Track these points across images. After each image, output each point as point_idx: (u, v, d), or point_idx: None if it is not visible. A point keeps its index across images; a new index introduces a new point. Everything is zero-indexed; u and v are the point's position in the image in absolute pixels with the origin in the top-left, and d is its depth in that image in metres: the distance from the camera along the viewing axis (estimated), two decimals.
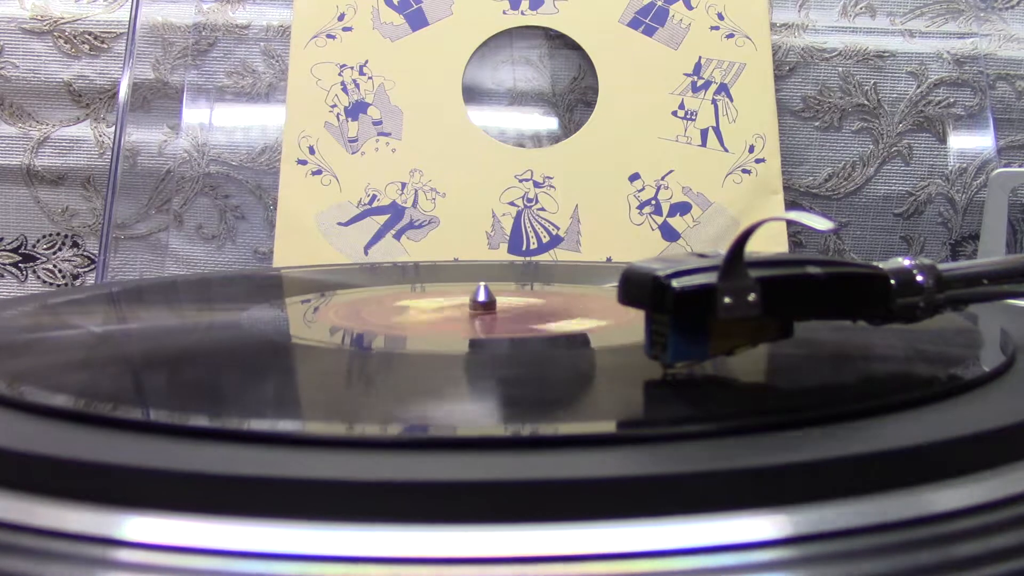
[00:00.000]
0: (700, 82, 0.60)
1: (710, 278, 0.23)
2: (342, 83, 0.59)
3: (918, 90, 0.62)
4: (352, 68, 0.60)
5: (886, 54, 0.62)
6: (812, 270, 0.24)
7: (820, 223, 0.23)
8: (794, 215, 0.25)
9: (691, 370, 0.26)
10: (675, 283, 0.23)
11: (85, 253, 0.63)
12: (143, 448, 0.20)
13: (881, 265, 0.26)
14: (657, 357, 0.25)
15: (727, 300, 0.23)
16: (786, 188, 0.61)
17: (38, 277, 0.63)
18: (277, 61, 0.61)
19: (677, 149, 0.59)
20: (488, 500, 0.18)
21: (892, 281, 0.25)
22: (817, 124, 0.62)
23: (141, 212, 0.62)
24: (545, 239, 0.58)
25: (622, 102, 0.60)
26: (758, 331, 0.25)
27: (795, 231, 0.60)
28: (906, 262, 0.26)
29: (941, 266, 0.26)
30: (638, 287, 0.24)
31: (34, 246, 0.63)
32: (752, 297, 0.23)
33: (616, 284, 0.25)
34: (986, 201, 0.60)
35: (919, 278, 0.26)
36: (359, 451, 0.20)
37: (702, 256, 0.24)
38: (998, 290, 0.28)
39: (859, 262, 0.27)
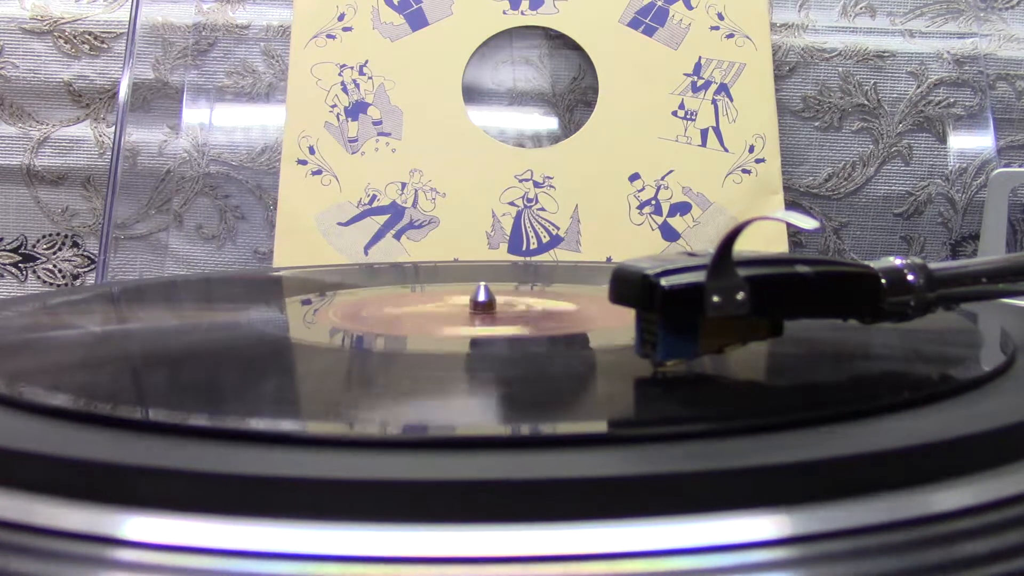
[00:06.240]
0: (700, 82, 0.60)
1: (699, 277, 0.23)
2: (342, 83, 0.59)
3: (918, 90, 0.62)
4: (352, 68, 0.60)
5: (886, 54, 0.62)
6: (801, 269, 0.24)
7: (807, 223, 0.23)
8: (780, 214, 0.25)
9: (688, 368, 0.26)
10: (664, 281, 0.23)
11: (85, 253, 0.63)
12: (143, 447, 0.20)
13: (872, 264, 0.26)
14: (647, 355, 0.25)
15: (716, 299, 0.23)
16: (786, 188, 0.61)
17: (38, 277, 0.63)
18: (277, 61, 0.61)
19: (677, 149, 0.59)
20: (484, 499, 0.18)
21: (883, 280, 0.26)
22: (817, 124, 0.62)
23: (141, 212, 0.62)
24: (545, 239, 0.58)
25: (622, 102, 0.60)
26: (748, 330, 0.26)
27: (795, 231, 0.60)
28: (897, 261, 0.26)
29: (932, 265, 0.26)
30: (628, 286, 0.24)
31: (34, 246, 0.63)
32: (741, 296, 0.23)
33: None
34: (986, 201, 0.60)
35: (910, 277, 0.26)
36: (358, 451, 0.20)
37: (692, 255, 0.24)
38: (990, 289, 0.28)
39: (849, 261, 0.27)
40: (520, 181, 0.59)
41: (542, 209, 0.58)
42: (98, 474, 0.19)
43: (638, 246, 0.58)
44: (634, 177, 0.59)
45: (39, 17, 0.61)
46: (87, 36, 0.61)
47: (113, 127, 0.60)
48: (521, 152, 0.60)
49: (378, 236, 0.58)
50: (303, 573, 0.17)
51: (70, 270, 0.63)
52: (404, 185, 0.58)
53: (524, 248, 0.58)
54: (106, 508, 0.18)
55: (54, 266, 0.63)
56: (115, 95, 0.61)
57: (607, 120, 0.60)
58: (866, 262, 0.26)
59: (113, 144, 0.59)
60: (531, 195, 0.59)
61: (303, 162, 0.59)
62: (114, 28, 0.61)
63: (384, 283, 0.48)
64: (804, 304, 0.25)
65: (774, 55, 0.61)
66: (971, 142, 0.63)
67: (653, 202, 0.59)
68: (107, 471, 0.19)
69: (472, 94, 0.61)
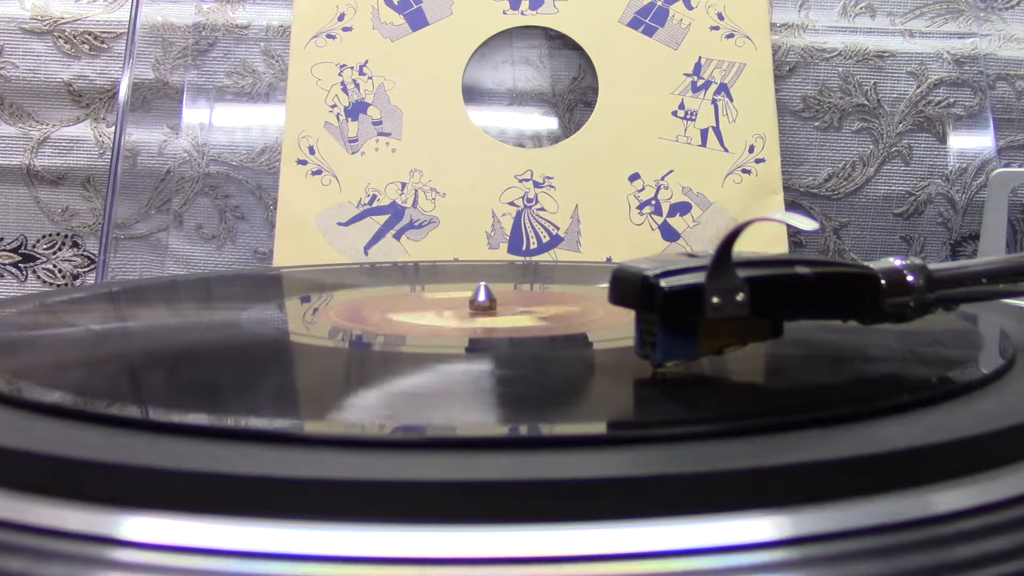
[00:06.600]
0: (700, 82, 0.60)
1: (699, 278, 0.23)
2: (342, 83, 0.59)
3: (918, 90, 0.62)
4: (352, 68, 0.60)
5: (886, 54, 0.62)
6: (801, 270, 0.24)
7: (807, 223, 0.23)
8: (779, 215, 0.25)
9: (687, 370, 0.26)
10: (664, 283, 0.23)
11: (85, 253, 0.63)
12: (142, 447, 0.20)
13: (871, 265, 0.26)
14: (647, 356, 0.25)
15: (715, 300, 0.23)
16: (786, 188, 0.61)
17: (38, 277, 0.63)
18: (277, 61, 0.61)
19: (677, 149, 0.59)
20: (484, 499, 0.18)
21: (882, 281, 0.26)
22: (817, 124, 0.62)
23: (141, 212, 0.62)
24: (545, 239, 0.58)
25: (622, 102, 0.60)
26: (747, 331, 0.26)
27: (795, 231, 0.60)
28: (897, 262, 0.26)
29: (932, 265, 0.26)
30: (628, 287, 0.24)
31: (34, 246, 0.63)
32: (740, 297, 0.23)
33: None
34: (986, 201, 0.60)
35: (909, 278, 0.26)
36: (358, 451, 0.20)
37: (692, 256, 0.24)
38: (989, 290, 0.28)
39: (849, 262, 0.27)
40: (520, 181, 0.59)
41: (542, 209, 0.58)
42: (98, 474, 0.19)
43: (638, 246, 0.58)
44: (634, 177, 0.59)
45: (39, 17, 0.61)
46: (87, 36, 0.61)
47: (113, 127, 0.60)
48: (521, 152, 0.60)
49: (378, 236, 0.58)
50: (303, 573, 0.17)
51: (70, 270, 0.63)
52: (404, 185, 0.58)
53: (524, 248, 0.58)
54: (106, 508, 0.18)
55: (54, 266, 0.63)
56: (115, 95, 0.61)
57: (607, 120, 0.60)
58: (866, 263, 0.26)
59: (113, 144, 0.59)
60: (531, 195, 0.59)
61: (303, 162, 0.59)
62: (114, 28, 0.61)
63: (384, 283, 0.48)
64: (804, 305, 0.25)
65: (774, 55, 0.61)
66: (971, 142, 0.63)
67: (653, 202, 0.59)
68: (107, 471, 0.19)
69: (472, 94, 0.61)
